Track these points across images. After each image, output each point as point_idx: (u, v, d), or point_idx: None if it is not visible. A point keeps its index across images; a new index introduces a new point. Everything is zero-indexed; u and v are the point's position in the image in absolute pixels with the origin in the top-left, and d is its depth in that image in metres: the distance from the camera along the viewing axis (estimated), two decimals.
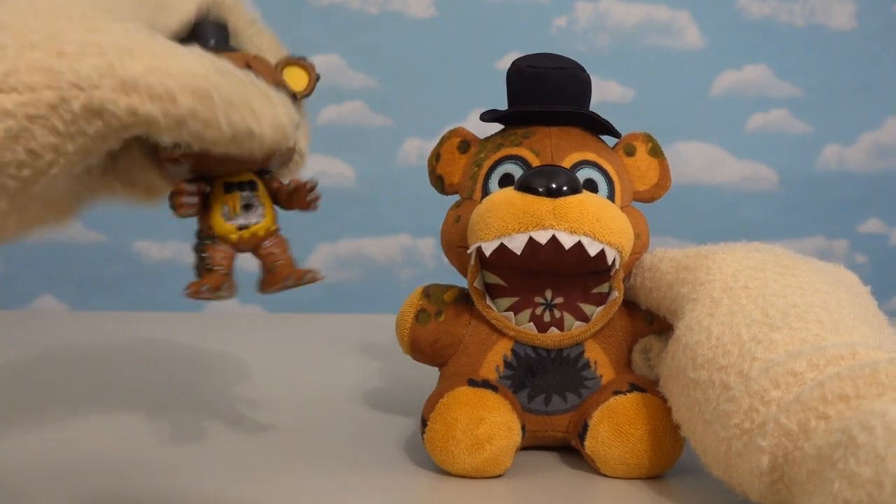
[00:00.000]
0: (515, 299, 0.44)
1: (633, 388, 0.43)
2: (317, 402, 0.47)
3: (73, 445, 0.45)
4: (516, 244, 0.40)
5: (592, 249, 0.40)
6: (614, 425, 0.42)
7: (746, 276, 0.39)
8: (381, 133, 1.08)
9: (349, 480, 0.42)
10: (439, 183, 0.49)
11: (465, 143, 0.48)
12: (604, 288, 0.45)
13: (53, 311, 1.14)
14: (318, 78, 0.37)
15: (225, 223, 0.35)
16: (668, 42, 1.10)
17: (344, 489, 0.41)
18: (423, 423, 0.43)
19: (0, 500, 0.37)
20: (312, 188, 0.36)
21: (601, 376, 0.45)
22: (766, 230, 1.13)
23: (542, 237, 0.40)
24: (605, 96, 1.07)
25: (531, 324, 0.44)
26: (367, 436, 0.47)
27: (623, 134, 0.48)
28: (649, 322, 0.46)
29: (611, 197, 0.45)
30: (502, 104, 0.47)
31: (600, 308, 0.44)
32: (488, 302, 0.44)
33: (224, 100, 0.29)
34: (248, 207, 0.35)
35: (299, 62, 0.37)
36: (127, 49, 0.28)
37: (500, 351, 0.45)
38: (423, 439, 0.42)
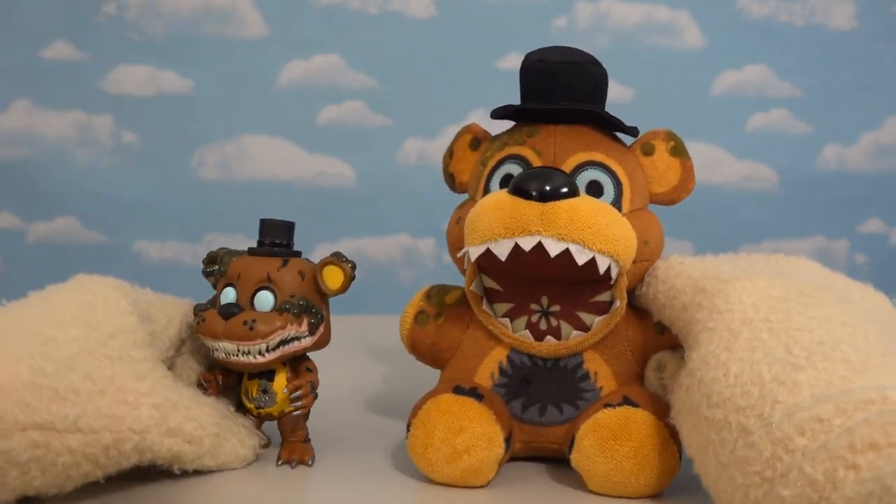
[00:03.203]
0: (511, 305, 0.42)
1: (625, 401, 0.40)
2: (316, 402, 0.47)
3: None
4: (501, 250, 0.38)
5: (581, 258, 0.38)
6: (599, 440, 0.39)
7: (768, 308, 0.36)
8: (381, 133, 1.08)
9: (344, 482, 0.42)
10: (451, 180, 0.48)
11: (476, 140, 0.47)
12: (605, 297, 0.42)
13: None
14: (353, 277, 0.43)
15: (247, 402, 0.44)
16: (668, 42, 1.10)
17: (336, 491, 0.41)
18: (408, 428, 0.41)
19: None
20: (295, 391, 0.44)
21: (601, 388, 0.42)
22: (766, 230, 1.13)
23: (527, 243, 0.38)
24: None
25: (527, 331, 0.42)
26: (366, 437, 0.47)
27: (641, 131, 0.45)
28: (660, 332, 0.43)
29: (617, 200, 0.42)
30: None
31: (601, 318, 0.42)
32: (485, 307, 0.43)
33: (217, 448, 0.40)
34: (265, 392, 0.43)
35: (338, 262, 0.42)
36: (180, 397, 0.38)
37: (496, 357, 0.43)
38: (406, 445, 0.41)
